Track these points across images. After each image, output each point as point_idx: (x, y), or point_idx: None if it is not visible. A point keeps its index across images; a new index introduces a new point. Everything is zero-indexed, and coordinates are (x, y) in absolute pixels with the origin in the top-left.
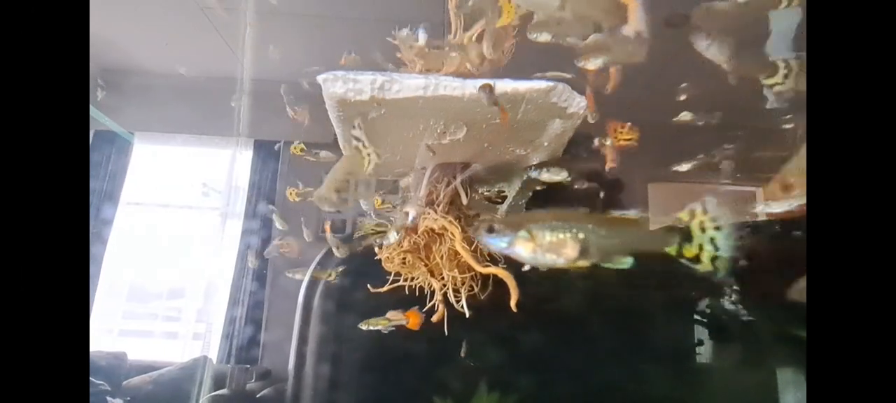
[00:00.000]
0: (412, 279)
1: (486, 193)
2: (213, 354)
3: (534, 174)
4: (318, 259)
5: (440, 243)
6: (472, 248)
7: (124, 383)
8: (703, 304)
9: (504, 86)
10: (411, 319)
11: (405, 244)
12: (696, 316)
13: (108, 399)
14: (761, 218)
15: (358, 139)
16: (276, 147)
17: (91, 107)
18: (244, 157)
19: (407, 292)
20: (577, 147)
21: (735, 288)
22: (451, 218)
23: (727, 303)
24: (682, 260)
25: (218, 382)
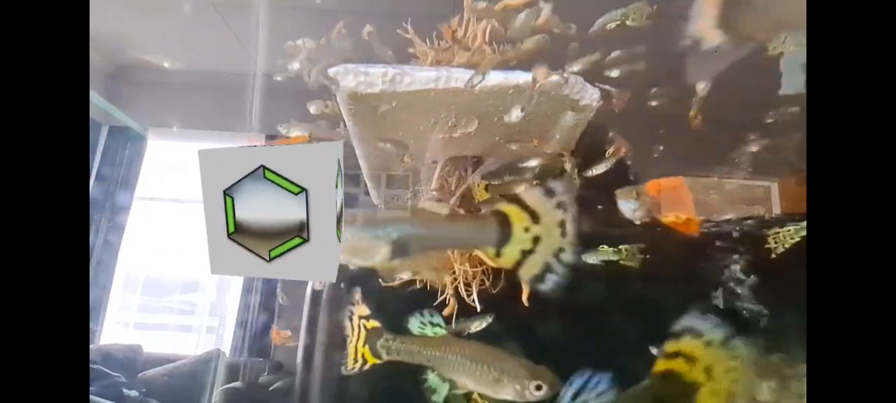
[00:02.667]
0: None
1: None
2: (227, 347)
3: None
4: None
5: None
6: None
7: (140, 375)
8: (722, 299)
9: (516, 78)
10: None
11: None
12: (715, 311)
13: (125, 391)
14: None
15: None
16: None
17: (106, 103)
18: None
19: (418, 285)
20: (590, 140)
21: (752, 283)
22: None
23: (745, 298)
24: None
25: (231, 375)
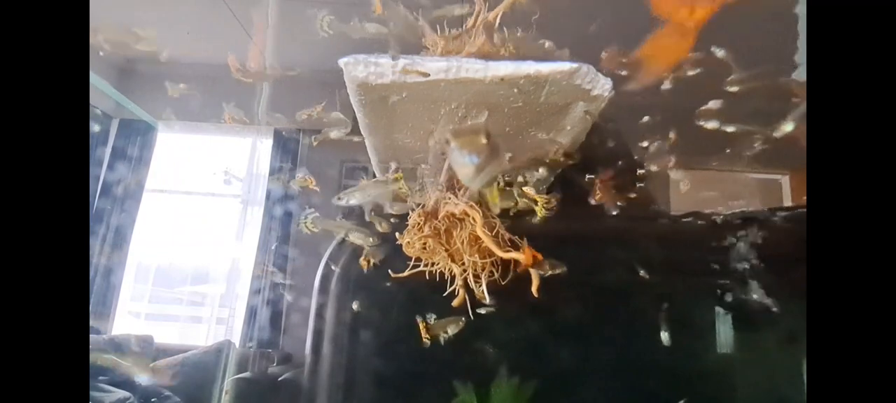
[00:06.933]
0: (432, 264)
1: (506, 178)
2: (236, 338)
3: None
4: (331, 247)
5: (461, 228)
6: (494, 233)
7: (151, 365)
8: (731, 291)
9: (526, 68)
10: None
11: (426, 229)
12: (730, 301)
13: (136, 380)
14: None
15: None
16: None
17: (119, 95)
18: (264, 145)
19: (427, 277)
20: (600, 133)
21: (767, 276)
22: (471, 202)
23: (758, 290)
24: None
25: (241, 365)
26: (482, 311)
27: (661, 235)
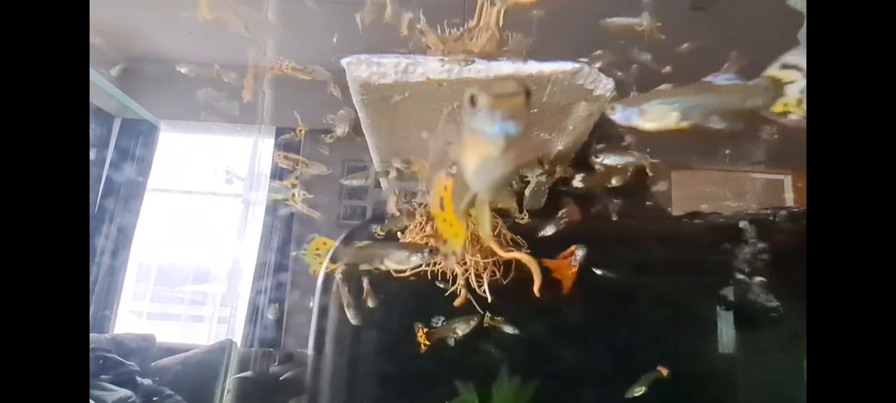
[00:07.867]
0: (434, 264)
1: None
2: (238, 338)
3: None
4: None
5: None
6: (495, 233)
7: (153, 364)
8: (743, 289)
9: (528, 68)
10: None
11: (428, 228)
12: (736, 300)
13: (138, 379)
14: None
15: None
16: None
17: (121, 93)
18: (266, 145)
19: (429, 276)
20: (602, 132)
21: (764, 275)
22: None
23: (757, 290)
24: None
25: (242, 365)
26: (508, 330)
27: (663, 235)
